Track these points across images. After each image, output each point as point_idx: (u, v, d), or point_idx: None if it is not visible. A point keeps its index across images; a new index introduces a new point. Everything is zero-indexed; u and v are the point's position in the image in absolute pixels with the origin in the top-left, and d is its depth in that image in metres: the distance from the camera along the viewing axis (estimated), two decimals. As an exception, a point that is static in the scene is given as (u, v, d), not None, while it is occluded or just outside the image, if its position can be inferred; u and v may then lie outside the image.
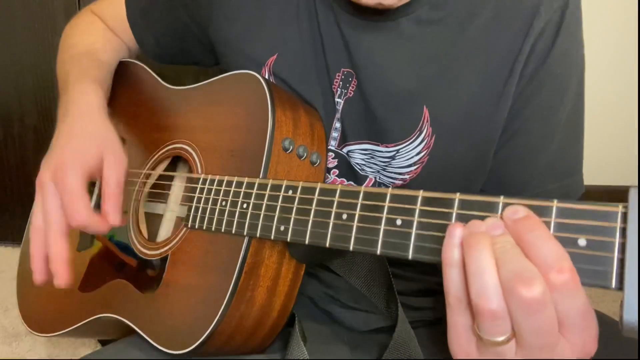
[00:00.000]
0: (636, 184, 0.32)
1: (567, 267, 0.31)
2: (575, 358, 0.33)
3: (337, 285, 0.71)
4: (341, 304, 0.71)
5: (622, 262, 0.31)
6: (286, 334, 0.63)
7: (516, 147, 0.60)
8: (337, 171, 0.66)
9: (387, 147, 0.62)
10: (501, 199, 0.36)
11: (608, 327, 0.55)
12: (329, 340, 0.66)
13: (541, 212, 0.35)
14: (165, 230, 0.72)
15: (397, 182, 0.63)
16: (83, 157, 0.59)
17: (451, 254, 0.35)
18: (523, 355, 0.34)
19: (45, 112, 1.34)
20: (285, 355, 0.61)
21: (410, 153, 0.61)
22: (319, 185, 0.48)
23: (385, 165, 0.63)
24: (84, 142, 0.61)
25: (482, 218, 0.36)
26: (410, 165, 0.62)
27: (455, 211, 0.38)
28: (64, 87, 0.69)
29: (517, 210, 0.34)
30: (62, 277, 0.57)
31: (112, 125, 0.65)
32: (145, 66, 0.79)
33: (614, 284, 0.31)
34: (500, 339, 0.33)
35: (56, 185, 0.58)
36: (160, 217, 0.72)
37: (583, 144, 0.64)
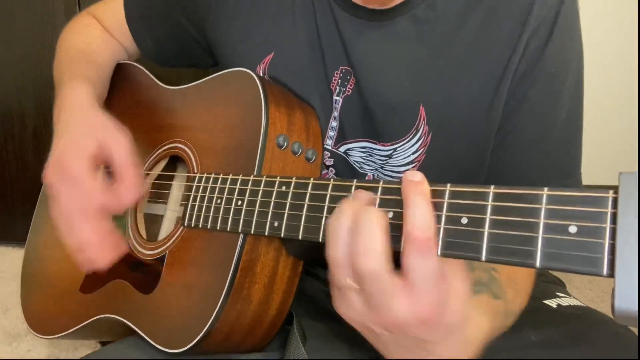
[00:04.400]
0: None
1: (427, 235, 0.35)
2: (409, 314, 0.36)
3: (337, 284, 0.71)
4: (341, 303, 0.70)
5: (613, 247, 0.30)
6: (285, 333, 0.63)
7: (512, 146, 0.60)
8: (334, 170, 0.66)
9: (384, 145, 0.62)
10: (491, 189, 0.36)
11: (608, 327, 0.54)
12: (328, 339, 0.66)
13: (532, 199, 0.34)
14: (166, 230, 0.72)
15: (394, 180, 0.63)
16: (82, 145, 0.58)
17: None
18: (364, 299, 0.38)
19: (45, 112, 1.34)
20: (284, 354, 0.61)
21: (407, 152, 0.61)
22: (311, 180, 0.47)
23: (383, 164, 0.63)
24: (81, 134, 0.60)
25: (472, 207, 0.36)
26: (407, 164, 0.61)
27: (446, 201, 0.38)
28: (59, 88, 0.69)
29: (415, 174, 0.38)
30: (97, 261, 0.56)
31: (108, 116, 0.63)
32: (141, 67, 0.79)
33: (605, 271, 0.31)
34: (347, 283, 0.38)
35: (63, 179, 0.57)
36: (161, 217, 0.73)
37: (581, 144, 0.63)
